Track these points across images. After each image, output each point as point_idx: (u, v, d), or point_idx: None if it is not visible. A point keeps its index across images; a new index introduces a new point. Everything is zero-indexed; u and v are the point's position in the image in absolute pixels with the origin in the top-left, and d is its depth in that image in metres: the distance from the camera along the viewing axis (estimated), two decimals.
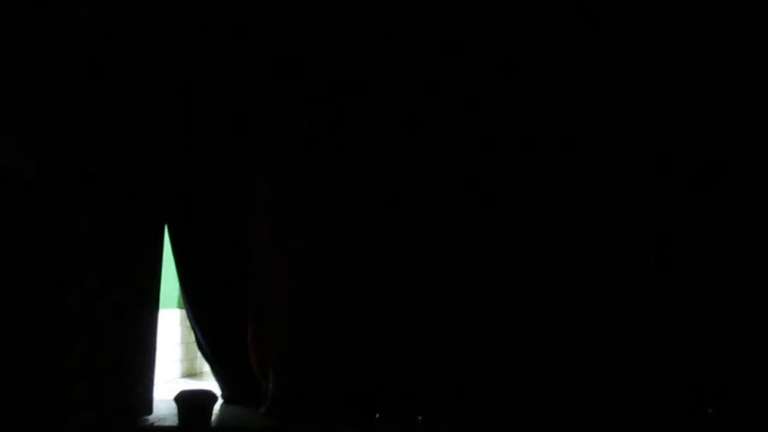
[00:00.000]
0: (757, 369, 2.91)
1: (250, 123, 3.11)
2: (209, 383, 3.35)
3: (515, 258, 3.02)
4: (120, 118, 2.43)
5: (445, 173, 3.06)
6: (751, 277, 2.96)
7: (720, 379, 2.94)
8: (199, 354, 4.74)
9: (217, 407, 2.80)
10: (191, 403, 2.73)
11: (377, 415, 2.94)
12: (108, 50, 2.45)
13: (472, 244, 3.04)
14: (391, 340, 2.97)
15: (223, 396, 3.13)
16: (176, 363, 4.23)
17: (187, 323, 4.63)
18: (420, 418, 2.94)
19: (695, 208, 3.01)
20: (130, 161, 2.58)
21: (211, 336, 3.15)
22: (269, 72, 3.10)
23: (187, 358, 4.42)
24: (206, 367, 4.84)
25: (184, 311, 4.31)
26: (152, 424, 2.69)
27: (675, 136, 3.04)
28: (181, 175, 3.12)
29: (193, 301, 3.18)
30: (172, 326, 4.15)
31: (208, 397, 2.77)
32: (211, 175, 3.11)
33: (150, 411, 2.85)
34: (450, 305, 3.01)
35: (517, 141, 3.05)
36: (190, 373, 4.45)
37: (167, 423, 2.72)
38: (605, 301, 2.98)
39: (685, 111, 3.05)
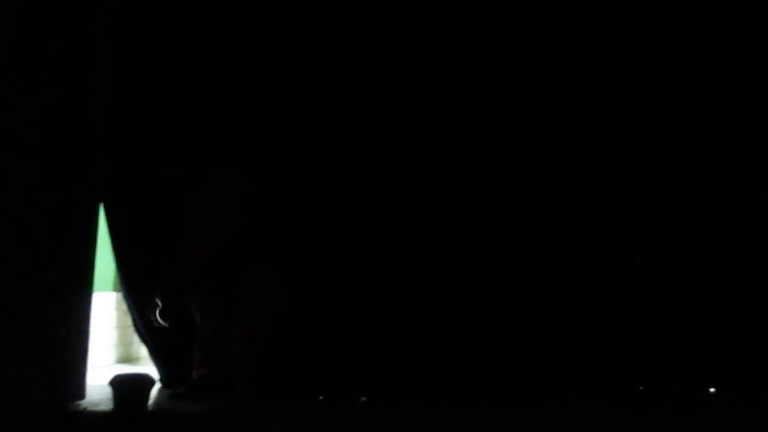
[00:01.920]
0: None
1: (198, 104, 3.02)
2: (146, 369, 3.25)
3: (483, 235, 3.05)
4: (48, 87, 2.30)
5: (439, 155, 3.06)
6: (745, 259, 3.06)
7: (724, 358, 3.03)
8: (135, 339, 4.60)
9: (154, 392, 2.71)
10: (127, 387, 2.63)
11: (320, 397, 2.92)
12: (34, 12, 2.31)
13: (438, 218, 3.05)
14: (337, 319, 2.95)
15: (161, 380, 3.04)
16: (111, 348, 4.09)
17: (123, 307, 4.49)
18: (363, 399, 2.93)
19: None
20: (62, 136, 2.45)
21: (147, 318, 3.05)
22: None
23: (123, 343, 4.28)
24: (143, 353, 4.71)
25: (120, 294, 4.18)
26: (85, 409, 2.58)
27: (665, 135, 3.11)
28: (118, 152, 3.01)
29: (129, 283, 3.08)
30: (107, 310, 4.01)
31: (144, 381, 2.67)
32: (150, 153, 3.00)
33: (83, 396, 2.74)
34: (398, 280, 3.02)
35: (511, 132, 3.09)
36: (126, 359, 4.32)
37: (101, 408, 2.62)
38: (592, 280, 3.05)
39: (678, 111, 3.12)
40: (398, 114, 3.10)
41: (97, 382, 2.89)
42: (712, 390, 3.08)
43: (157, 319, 2.84)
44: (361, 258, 3.04)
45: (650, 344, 3.04)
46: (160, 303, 2.82)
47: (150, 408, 2.64)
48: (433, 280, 3.04)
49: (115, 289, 4.13)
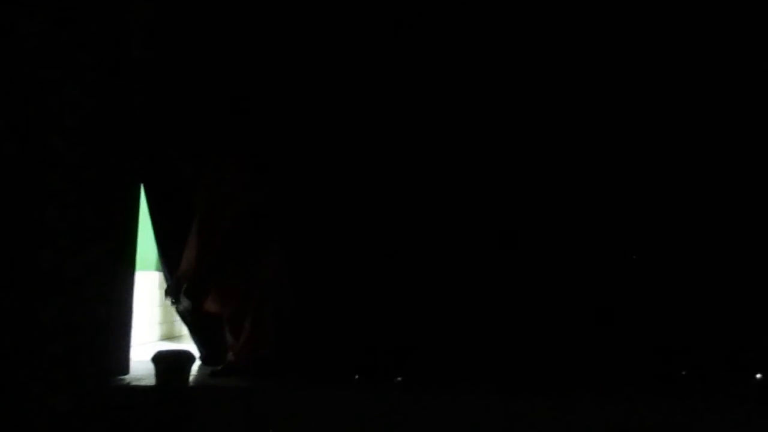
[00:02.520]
0: None
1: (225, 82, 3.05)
2: (188, 345, 3.33)
3: (498, 227, 3.04)
4: (89, 70, 2.36)
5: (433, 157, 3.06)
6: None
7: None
8: (177, 317, 4.72)
9: (194, 368, 2.78)
10: (168, 363, 2.70)
11: (356, 376, 2.95)
12: None
13: (454, 215, 3.05)
14: (372, 301, 2.97)
15: (200, 357, 3.11)
16: (155, 325, 4.21)
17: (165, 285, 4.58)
18: (399, 379, 2.95)
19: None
20: (103, 116, 2.51)
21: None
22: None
23: (166, 321, 4.39)
24: (185, 330, 4.82)
25: (162, 274, 4.28)
26: (129, 383, 2.66)
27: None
28: (158, 132, 3.06)
29: (169, 262, 3.14)
30: (150, 288, 4.11)
31: (185, 358, 2.74)
32: (188, 133, 3.05)
33: (127, 371, 2.83)
34: (432, 265, 3.02)
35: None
36: (169, 336, 4.43)
37: (144, 383, 2.70)
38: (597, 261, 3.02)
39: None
40: (407, 110, 3.08)
41: (141, 358, 2.97)
42: (758, 376, 3.03)
43: (178, 301, 2.91)
44: (390, 238, 3.04)
45: (691, 329, 3.00)
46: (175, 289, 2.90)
47: (190, 383, 2.71)
48: (460, 263, 3.03)
49: (158, 269, 4.23)
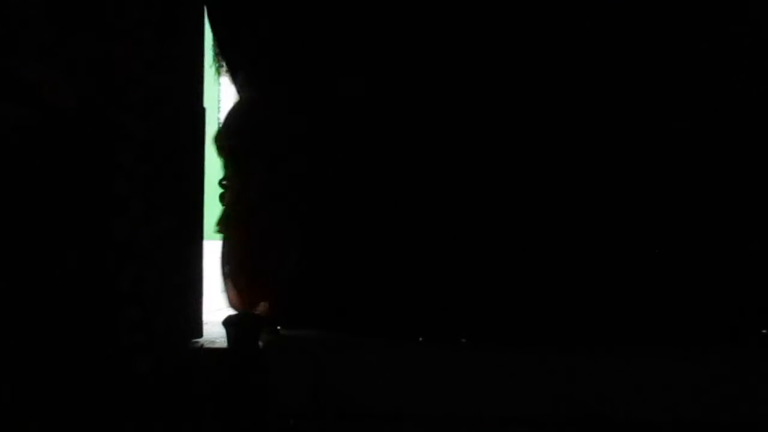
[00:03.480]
0: None
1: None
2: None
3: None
4: (149, 47, 2.44)
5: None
6: None
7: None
8: None
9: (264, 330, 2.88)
10: (239, 326, 2.82)
11: (420, 338, 2.99)
12: None
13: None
14: (431, 261, 2.99)
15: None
16: (225, 293, 4.34)
17: None
18: (464, 340, 2.97)
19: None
20: (166, 90, 2.59)
21: None
22: None
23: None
24: None
25: None
26: (202, 345, 2.79)
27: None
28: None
29: None
30: (217, 258, 4.24)
31: (255, 320, 2.85)
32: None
33: (200, 334, 2.95)
34: (492, 228, 3.01)
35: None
36: None
37: (216, 345, 2.82)
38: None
39: None
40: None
41: (214, 322, 3.09)
42: None
43: None
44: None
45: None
46: None
47: (261, 344, 2.81)
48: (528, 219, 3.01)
49: None
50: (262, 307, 3.08)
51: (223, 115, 3.37)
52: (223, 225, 3.12)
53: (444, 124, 3.00)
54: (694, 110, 2.89)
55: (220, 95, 3.79)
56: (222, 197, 3.14)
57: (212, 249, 4.15)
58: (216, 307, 4.17)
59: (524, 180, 3.00)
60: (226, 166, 3.27)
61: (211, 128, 3.37)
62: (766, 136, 2.86)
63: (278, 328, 3.10)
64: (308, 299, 3.08)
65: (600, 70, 3.00)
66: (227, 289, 3.09)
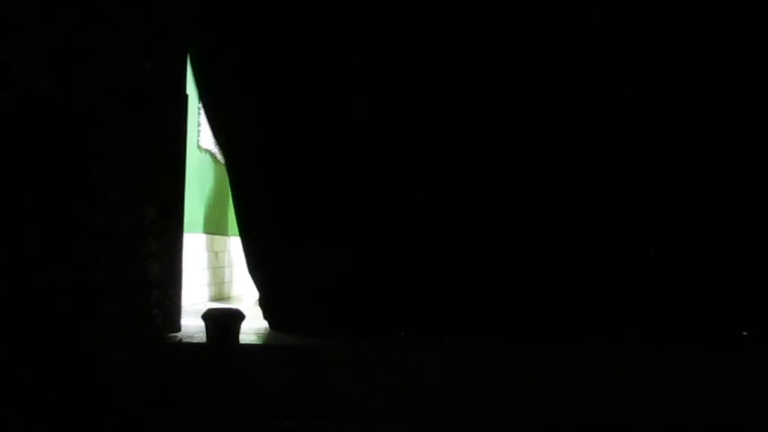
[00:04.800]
0: None
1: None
2: (237, 305, 3.39)
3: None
4: (128, 28, 2.35)
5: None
6: None
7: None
8: (226, 279, 4.79)
9: (244, 325, 2.81)
10: (218, 320, 2.75)
11: (402, 333, 2.95)
12: None
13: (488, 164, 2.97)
14: (416, 257, 2.94)
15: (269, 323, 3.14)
16: (204, 287, 4.27)
17: (214, 248, 4.66)
18: (448, 339, 2.94)
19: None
20: (148, 74, 2.51)
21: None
22: None
23: (215, 283, 4.46)
24: (234, 292, 4.91)
25: (209, 236, 4.33)
26: (180, 340, 2.71)
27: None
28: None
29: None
30: (198, 251, 4.17)
31: (234, 315, 2.79)
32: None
33: (178, 328, 2.89)
34: (476, 223, 2.97)
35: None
36: (219, 298, 4.51)
37: (195, 340, 2.75)
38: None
39: None
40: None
41: (192, 317, 3.03)
42: None
43: None
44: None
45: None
46: None
47: (240, 340, 2.75)
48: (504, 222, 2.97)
49: (206, 231, 4.29)
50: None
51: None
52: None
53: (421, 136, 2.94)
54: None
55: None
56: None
57: (193, 242, 4.06)
58: (196, 302, 4.09)
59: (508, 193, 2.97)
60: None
61: (194, 116, 3.30)
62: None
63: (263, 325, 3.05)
64: (293, 302, 3.03)
65: (586, 79, 2.99)
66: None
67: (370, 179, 2.93)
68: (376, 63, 2.91)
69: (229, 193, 3.35)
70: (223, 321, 2.75)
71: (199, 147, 4.15)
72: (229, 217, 4.66)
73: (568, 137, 2.89)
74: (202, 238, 4.27)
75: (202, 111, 3.72)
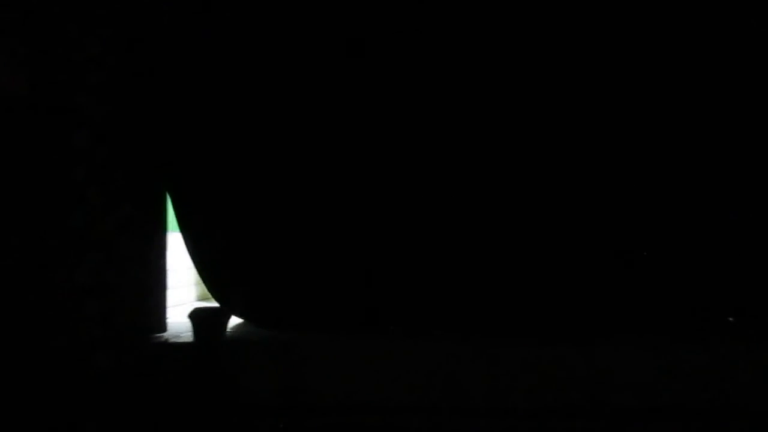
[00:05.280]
0: None
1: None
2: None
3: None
4: (108, 24, 2.33)
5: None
6: None
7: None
8: None
9: (231, 324, 2.80)
10: (204, 319, 2.73)
11: (390, 328, 2.94)
12: None
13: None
14: (404, 247, 2.93)
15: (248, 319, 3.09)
16: (191, 287, 4.23)
17: None
18: (437, 331, 2.93)
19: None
20: (125, 71, 2.48)
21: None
22: None
23: (201, 282, 4.43)
24: None
25: None
26: (167, 340, 2.69)
27: None
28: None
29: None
30: (183, 250, 4.14)
31: (221, 313, 2.77)
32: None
33: (164, 328, 2.85)
34: (459, 213, 2.96)
35: None
36: (205, 297, 4.46)
37: (181, 340, 2.73)
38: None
39: None
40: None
41: (179, 317, 3.00)
42: None
43: None
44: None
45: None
46: None
47: (227, 338, 2.73)
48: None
49: None
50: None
51: None
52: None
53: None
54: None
55: None
56: None
57: (177, 241, 4.02)
58: (182, 301, 4.06)
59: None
60: None
61: None
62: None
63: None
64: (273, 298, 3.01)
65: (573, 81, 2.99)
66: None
67: (359, 167, 2.92)
68: None
69: None
70: (208, 319, 2.73)
71: None
72: None
73: (546, 129, 2.90)
74: None
75: None
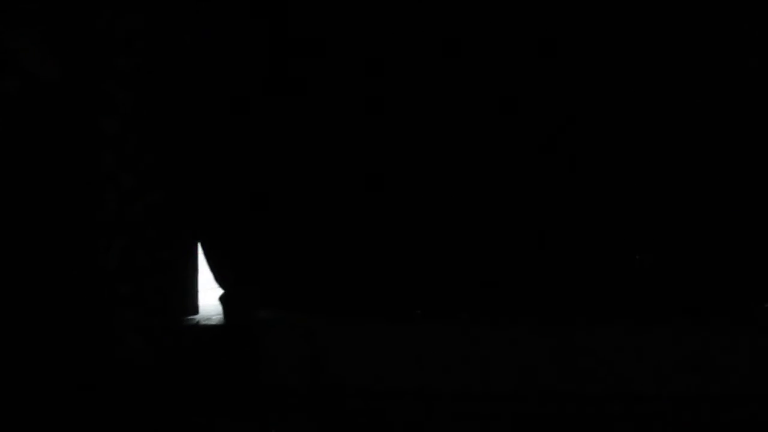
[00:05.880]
0: None
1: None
2: None
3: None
4: (135, 10, 2.34)
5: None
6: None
7: None
8: None
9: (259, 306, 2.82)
10: (234, 302, 2.77)
11: (418, 311, 2.94)
12: None
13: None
14: (430, 233, 2.93)
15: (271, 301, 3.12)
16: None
17: None
18: (465, 315, 2.92)
19: None
20: (153, 58, 2.50)
21: None
22: None
23: None
24: None
25: None
26: (198, 322, 2.73)
27: None
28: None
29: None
30: None
31: (251, 298, 2.80)
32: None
33: (196, 311, 2.90)
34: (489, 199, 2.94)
35: None
36: None
37: (213, 322, 2.77)
38: None
39: None
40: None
41: (210, 301, 3.04)
42: None
43: None
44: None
45: None
46: None
47: (256, 321, 2.76)
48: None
49: None
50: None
51: None
52: None
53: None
54: None
55: None
56: None
57: None
58: (212, 285, 4.10)
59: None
60: None
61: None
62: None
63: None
64: (299, 281, 3.03)
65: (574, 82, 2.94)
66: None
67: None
68: None
69: None
70: (239, 303, 2.76)
71: None
72: None
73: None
74: None
75: None
